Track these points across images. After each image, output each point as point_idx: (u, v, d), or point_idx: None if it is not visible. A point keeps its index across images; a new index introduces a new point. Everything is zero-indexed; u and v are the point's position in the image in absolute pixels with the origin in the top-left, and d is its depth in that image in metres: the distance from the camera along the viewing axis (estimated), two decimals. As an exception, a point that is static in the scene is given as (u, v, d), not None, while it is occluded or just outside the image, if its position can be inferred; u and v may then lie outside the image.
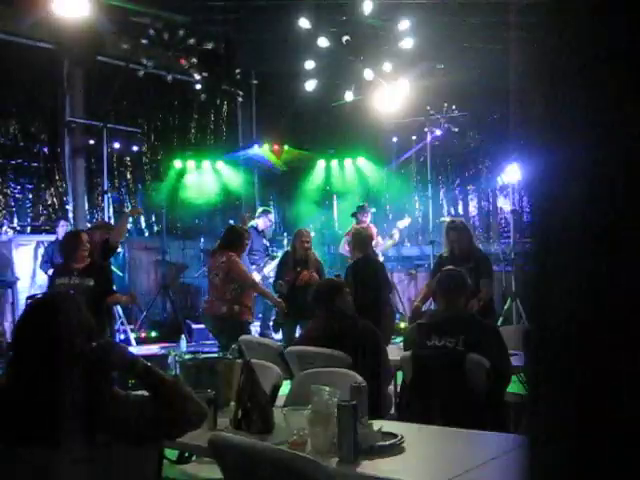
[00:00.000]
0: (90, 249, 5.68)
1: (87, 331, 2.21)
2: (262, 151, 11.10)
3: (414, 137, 10.50)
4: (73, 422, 2.00)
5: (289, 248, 7.21)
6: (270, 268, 8.83)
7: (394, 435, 2.50)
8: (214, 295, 6.00)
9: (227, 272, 5.91)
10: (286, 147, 11.72)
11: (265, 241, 9.06)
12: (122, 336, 8.38)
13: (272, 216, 9.25)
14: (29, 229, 9.21)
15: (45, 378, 2.07)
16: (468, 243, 5.56)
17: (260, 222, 9.03)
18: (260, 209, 9.35)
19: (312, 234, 7.52)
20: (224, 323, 5.94)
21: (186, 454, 3.35)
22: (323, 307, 4.24)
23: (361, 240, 6.32)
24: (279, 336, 8.94)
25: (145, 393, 2.24)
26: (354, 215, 9.06)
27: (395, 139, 11.18)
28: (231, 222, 8.83)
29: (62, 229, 8.28)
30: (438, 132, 9.94)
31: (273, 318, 8.09)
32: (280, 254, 8.06)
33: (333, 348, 3.93)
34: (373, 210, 9.55)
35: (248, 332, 5.99)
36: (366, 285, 5.53)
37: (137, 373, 2.21)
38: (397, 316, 8.66)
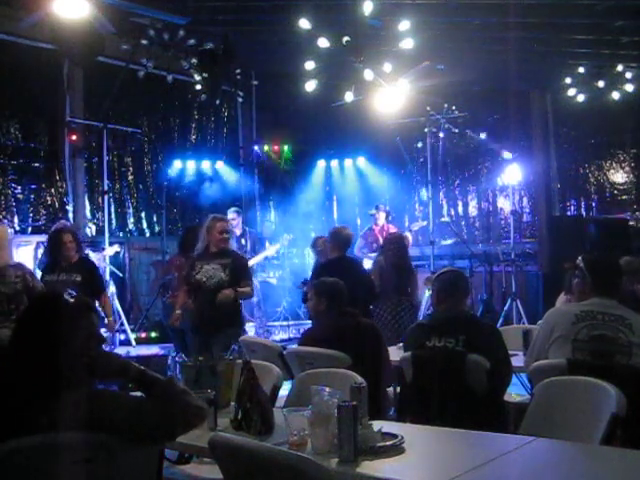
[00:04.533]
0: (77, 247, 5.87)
1: (88, 332, 2.22)
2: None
3: (420, 144, 10.49)
4: (70, 421, 2.00)
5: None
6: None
7: (394, 436, 2.50)
8: None
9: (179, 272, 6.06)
10: (286, 147, 11.74)
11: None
12: (122, 336, 8.38)
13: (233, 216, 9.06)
14: (29, 229, 9.21)
15: (42, 375, 2.07)
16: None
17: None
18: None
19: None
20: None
21: (186, 455, 3.35)
22: (328, 307, 4.26)
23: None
24: (278, 337, 9.02)
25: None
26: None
27: (397, 139, 11.18)
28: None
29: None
30: (441, 134, 9.93)
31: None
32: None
33: (335, 347, 3.93)
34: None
35: (176, 335, 6.10)
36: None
37: (132, 377, 2.22)
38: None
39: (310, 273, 8.00)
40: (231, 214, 8.94)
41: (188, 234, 6.51)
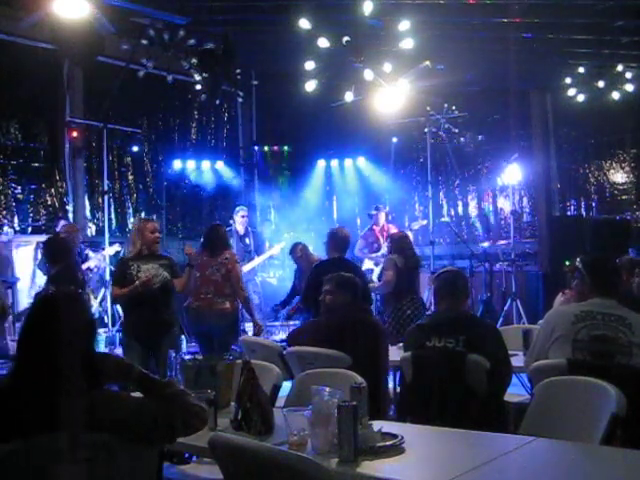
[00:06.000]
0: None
1: (90, 331, 2.22)
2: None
3: (420, 146, 10.50)
4: (73, 421, 2.00)
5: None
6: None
7: (394, 435, 2.50)
8: (212, 291, 6.04)
9: (229, 270, 6.04)
10: (286, 148, 11.74)
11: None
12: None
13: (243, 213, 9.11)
14: (29, 229, 9.21)
15: (47, 375, 2.07)
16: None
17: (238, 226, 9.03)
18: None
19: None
20: (227, 319, 6.08)
21: (186, 455, 3.35)
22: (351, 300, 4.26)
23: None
24: (278, 337, 9.01)
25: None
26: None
27: (394, 141, 11.18)
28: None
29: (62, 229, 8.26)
30: (442, 134, 9.92)
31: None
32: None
33: (336, 343, 3.93)
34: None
35: (202, 337, 6.21)
36: None
37: (134, 379, 2.22)
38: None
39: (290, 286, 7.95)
40: (243, 211, 9.01)
41: (212, 231, 6.41)
